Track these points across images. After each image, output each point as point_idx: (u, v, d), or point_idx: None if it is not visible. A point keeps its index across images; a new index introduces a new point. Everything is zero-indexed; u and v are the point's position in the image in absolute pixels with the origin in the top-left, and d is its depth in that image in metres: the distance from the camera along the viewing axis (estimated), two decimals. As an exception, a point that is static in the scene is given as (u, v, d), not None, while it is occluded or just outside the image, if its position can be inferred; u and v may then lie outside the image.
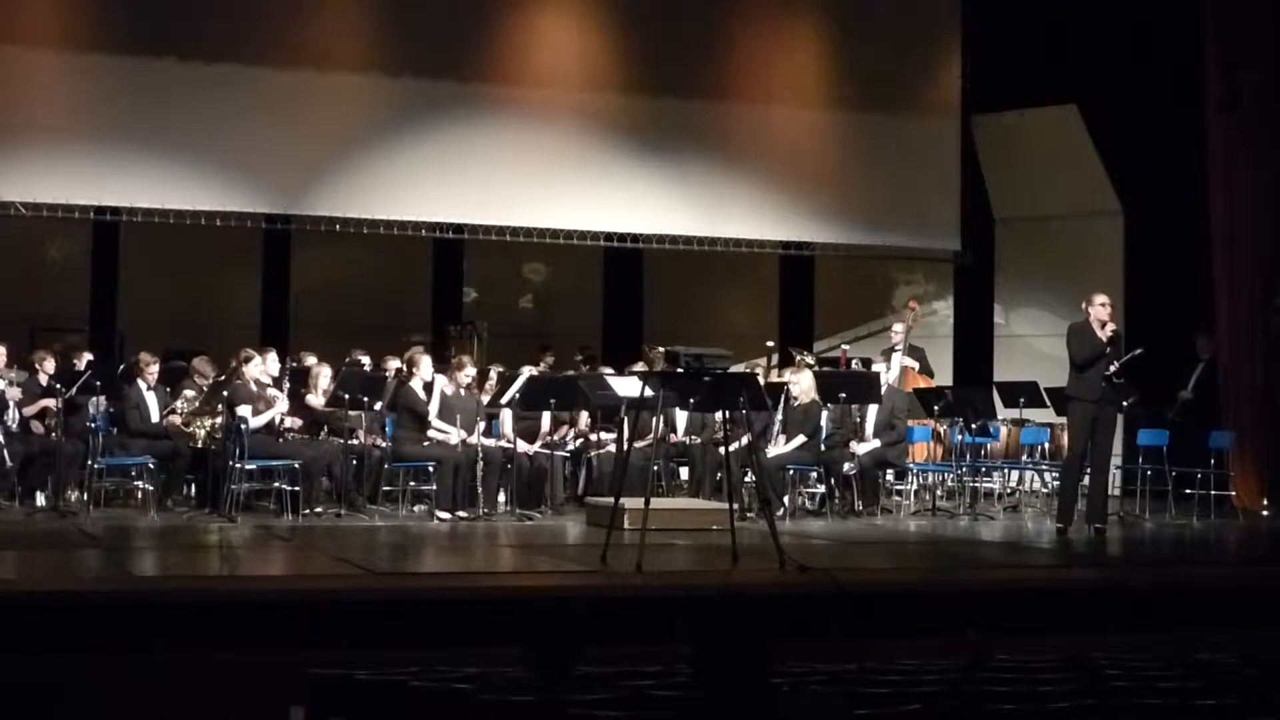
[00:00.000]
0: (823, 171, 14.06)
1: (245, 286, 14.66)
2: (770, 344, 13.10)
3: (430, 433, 10.52)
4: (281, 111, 12.49)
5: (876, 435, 11.22)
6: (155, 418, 10.39)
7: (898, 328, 13.23)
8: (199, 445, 10.44)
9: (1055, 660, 4.90)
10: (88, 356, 11.14)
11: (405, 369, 10.98)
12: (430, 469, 10.47)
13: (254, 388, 10.18)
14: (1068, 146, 14.38)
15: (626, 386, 10.63)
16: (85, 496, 9.98)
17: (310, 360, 11.22)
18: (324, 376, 10.67)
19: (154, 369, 10.50)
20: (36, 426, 10.38)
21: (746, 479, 10.74)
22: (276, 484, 10.12)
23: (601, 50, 13.56)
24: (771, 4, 14.04)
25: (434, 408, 10.59)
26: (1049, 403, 11.86)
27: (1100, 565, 9.01)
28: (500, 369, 11.56)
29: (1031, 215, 15.04)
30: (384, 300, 14.61)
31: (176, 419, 10.48)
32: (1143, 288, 13.68)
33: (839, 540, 9.50)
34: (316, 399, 10.57)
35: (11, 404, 10.28)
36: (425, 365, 10.79)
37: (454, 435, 10.45)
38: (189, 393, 10.69)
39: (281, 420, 10.30)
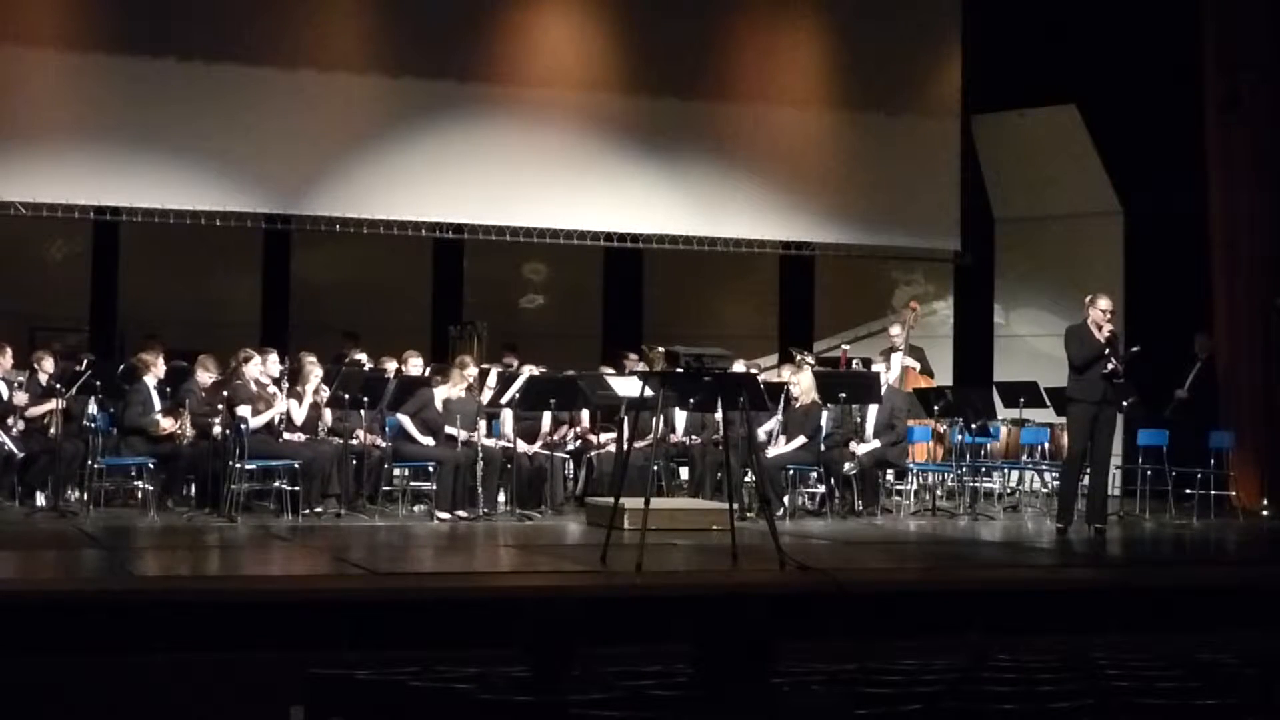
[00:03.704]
0: (823, 171, 14.06)
1: (245, 286, 14.67)
2: (804, 358, 12.95)
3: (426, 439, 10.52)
4: (281, 111, 12.50)
5: (876, 435, 11.22)
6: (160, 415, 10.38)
7: (895, 329, 13.24)
8: (187, 441, 10.36)
9: (1055, 660, 4.89)
10: (88, 358, 11.14)
11: (441, 376, 10.97)
12: (430, 469, 10.48)
13: (254, 388, 10.18)
14: (1068, 146, 14.38)
15: (626, 386, 10.64)
16: (85, 496, 9.98)
17: (310, 359, 11.20)
18: (315, 375, 10.64)
19: (159, 363, 10.49)
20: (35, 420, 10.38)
21: (746, 479, 10.74)
22: (276, 484, 10.12)
23: (601, 50, 13.56)
24: (771, 4, 14.05)
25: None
26: (1049, 403, 11.87)
27: (1100, 565, 9.01)
28: (501, 369, 11.57)
29: (1031, 215, 15.04)
30: (384, 300, 14.61)
31: (169, 419, 10.40)
32: (1142, 288, 13.69)
33: (839, 540, 9.49)
34: (305, 401, 10.52)
35: (17, 407, 10.28)
36: (457, 378, 10.76)
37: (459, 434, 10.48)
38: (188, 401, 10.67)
39: (281, 421, 10.29)
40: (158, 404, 10.35)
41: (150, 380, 10.36)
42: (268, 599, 6.50)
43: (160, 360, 10.57)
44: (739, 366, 11.87)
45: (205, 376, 10.70)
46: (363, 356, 12.10)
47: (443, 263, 15.04)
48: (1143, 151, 13.48)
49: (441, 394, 10.64)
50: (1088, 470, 10.04)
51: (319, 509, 10.03)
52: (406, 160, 12.82)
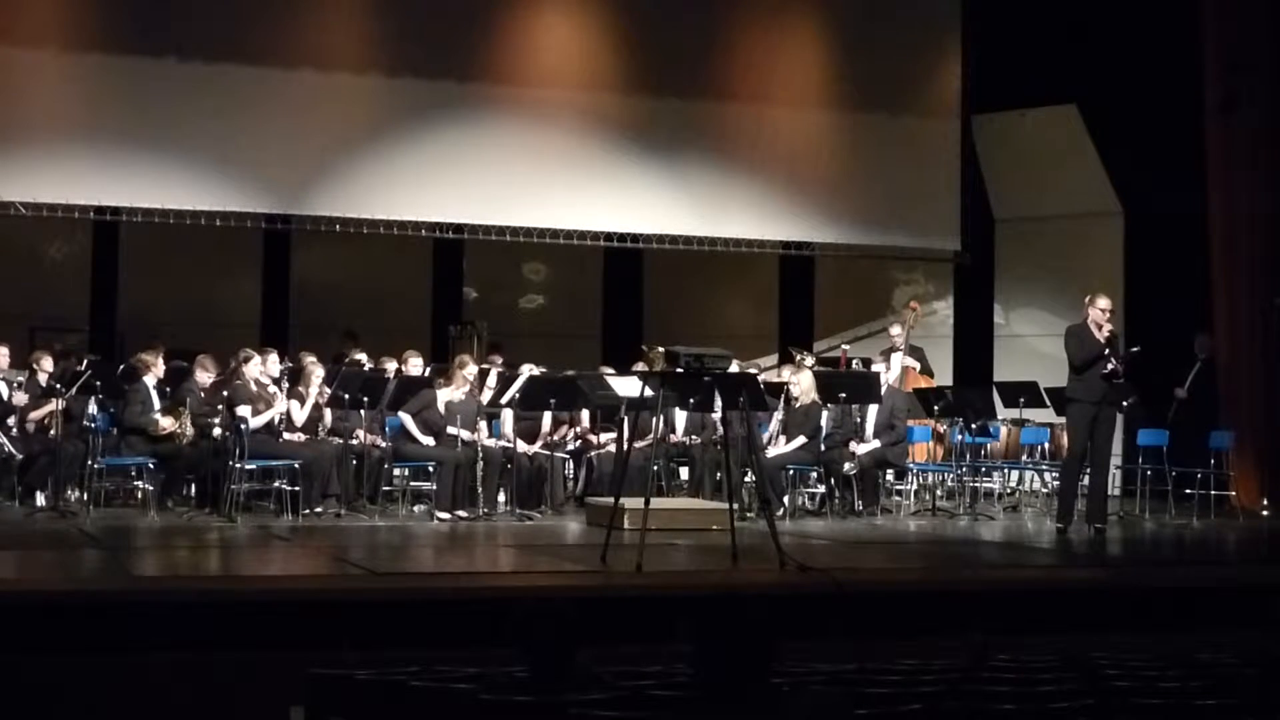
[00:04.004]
0: (823, 171, 14.06)
1: (245, 286, 14.67)
2: (803, 357, 12.90)
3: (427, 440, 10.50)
4: (281, 111, 12.49)
5: (876, 435, 11.22)
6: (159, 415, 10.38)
7: (895, 329, 13.24)
8: (187, 441, 10.37)
9: (1055, 660, 4.89)
10: (88, 357, 11.14)
11: (444, 377, 10.96)
12: (430, 469, 10.47)
13: (254, 388, 10.18)
14: (1068, 146, 14.38)
15: (626, 386, 10.64)
16: (85, 496, 9.97)
17: (309, 359, 11.20)
18: (316, 376, 10.64)
19: (159, 363, 10.50)
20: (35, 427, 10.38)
21: (746, 479, 10.74)
22: (276, 484, 10.11)
23: (601, 50, 13.55)
24: (771, 4, 14.04)
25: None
26: (1049, 403, 11.87)
27: (1100, 565, 9.01)
28: (500, 369, 11.57)
29: (1031, 215, 15.04)
30: (384, 300, 14.61)
31: (169, 418, 10.41)
32: (1143, 288, 13.69)
33: (839, 540, 9.49)
34: (307, 403, 10.50)
35: (17, 408, 10.28)
36: (459, 379, 10.75)
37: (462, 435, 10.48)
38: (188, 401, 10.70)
39: (281, 421, 10.29)
40: (157, 404, 10.36)
41: (150, 380, 10.36)
42: (268, 599, 6.50)
43: (160, 360, 10.58)
44: (733, 367, 11.89)
45: (204, 376, 10.71)
46: (363, 356, 12.10)
47: (443, 263, 15.04)
48: (1143, 151, 13.47)
49: (444, 395, 10.63)
50: (1088, 470, 10.04)
51: (319, 509, 10.03)
52: (406, 160, 12.81)
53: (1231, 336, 12.64)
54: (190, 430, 10.25)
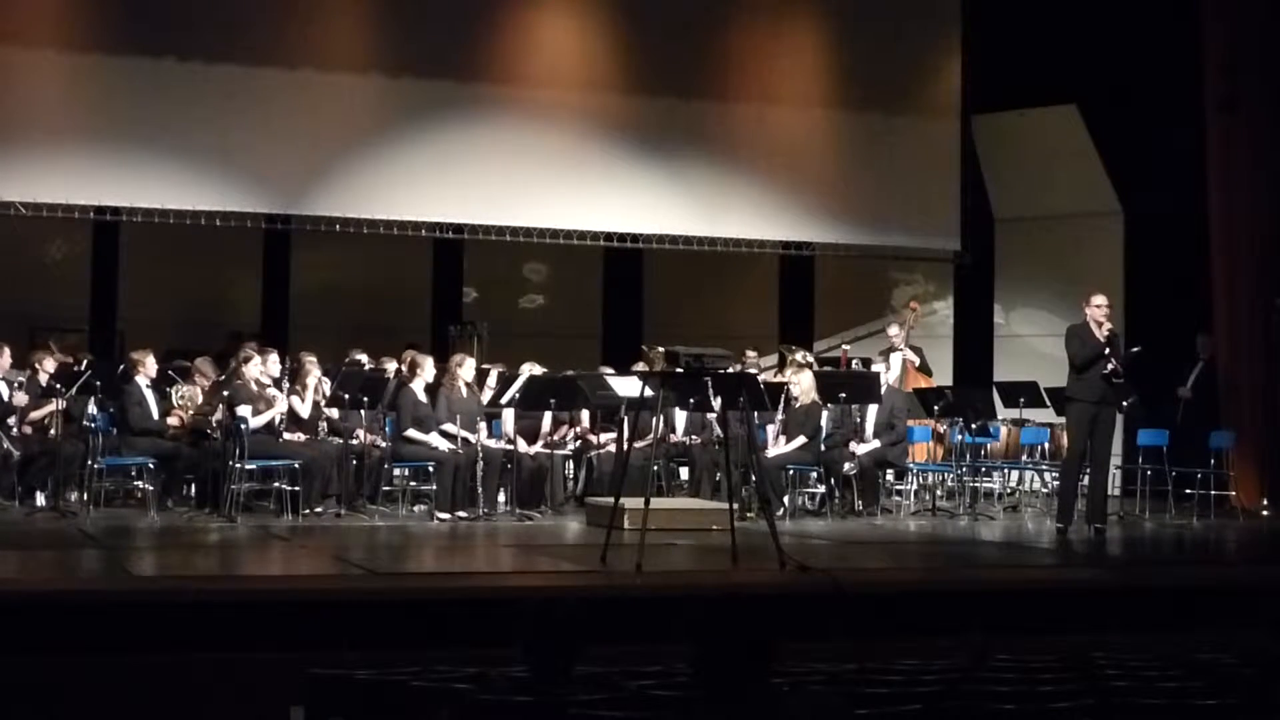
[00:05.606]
0: (823, 171, 14.06)
1: (245, 286, 14.67)
2: (795, 355, 12.91)
3: (431, 438, 10.48)
4: (281, 111, 12.49)
5: (876, 435, 11.22)
6: (156, 414, 10.38)
7: (893, 329, 13.24)
8: (198, 428, 10.39)
9: (1055, 660, 4.89)
10: (87, 357, 11.14)
11: (407, 371, 10.97)
12: (430, 469, 10.47)
13: (254, 388, 10.18)
14: (1068, 146, 14.38)
15: (626, 386, 10.64)
16: (85, 496, 9.97)
17: (310, 359, 11.20)
18: (313, 375, 10.63)
19: (149, 362, 10.48)
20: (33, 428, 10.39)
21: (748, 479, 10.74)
22: (276, 484, 10.11)
23: (601, 50, 13.56)
24: (771, 4, 14.04)
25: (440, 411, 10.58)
26: (1049, 403, 11.87)
27: (1100, 565, 9.01)
28: (501, 369, 11.57)
29: (1031, 215, 15.04)
30: (384, 300, 14.61)
31: (175, 418, 10.45)
32: (1143, 288, 13.69)
33: (839, 540, 9.49)
34: (307, 398, 10.50)
35: (17, 408, 10.28)
36: (428, 367, 10.77)
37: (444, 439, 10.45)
38: (187, 389, 10.70)
39: (281, 421, 10.29)
40: (153, 403, 10.36)
41: (142, 380, 10.35)
42: (268, 599, 6.50)
43: (150, 359, 10.55)
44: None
45: (202, 380, 10.74)
46: (363, 356, 12.10)
47: (443, 263, 15.04)
48: (1143, 151, 13.48)
49: (419, 386, 10.61)
50: (1088, 470, 10.04)
51: (319, 509, 10.03)
52: (406, 160, 12.81)
53: (1231, 336, 12.64)
54: (196, 409, 10.32)
